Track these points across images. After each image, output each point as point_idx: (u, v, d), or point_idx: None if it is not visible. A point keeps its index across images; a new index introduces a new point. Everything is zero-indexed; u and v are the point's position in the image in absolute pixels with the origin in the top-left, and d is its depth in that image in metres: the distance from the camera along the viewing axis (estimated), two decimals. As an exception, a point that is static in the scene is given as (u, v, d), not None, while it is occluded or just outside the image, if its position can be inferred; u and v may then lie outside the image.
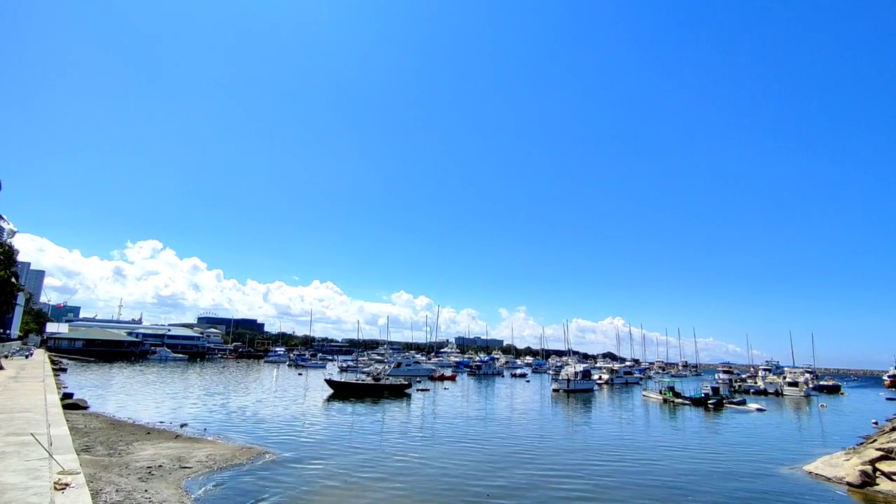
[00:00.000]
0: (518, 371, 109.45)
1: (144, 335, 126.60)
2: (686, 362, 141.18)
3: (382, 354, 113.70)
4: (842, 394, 73.61)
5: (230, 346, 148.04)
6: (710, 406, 45.07)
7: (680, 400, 48.55)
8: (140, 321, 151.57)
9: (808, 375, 75.80)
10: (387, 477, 16.58)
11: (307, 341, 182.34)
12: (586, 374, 64.79)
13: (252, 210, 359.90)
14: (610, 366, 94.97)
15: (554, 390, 58.89)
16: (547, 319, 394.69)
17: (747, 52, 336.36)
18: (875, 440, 23.49)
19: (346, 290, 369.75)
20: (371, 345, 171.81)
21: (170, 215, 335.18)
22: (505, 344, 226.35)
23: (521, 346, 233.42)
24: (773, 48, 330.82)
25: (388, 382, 49.73)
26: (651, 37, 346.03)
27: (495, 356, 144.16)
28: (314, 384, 56.38)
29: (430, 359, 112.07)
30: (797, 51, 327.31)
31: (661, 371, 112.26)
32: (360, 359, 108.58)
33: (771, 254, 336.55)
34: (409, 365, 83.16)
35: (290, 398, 41.44)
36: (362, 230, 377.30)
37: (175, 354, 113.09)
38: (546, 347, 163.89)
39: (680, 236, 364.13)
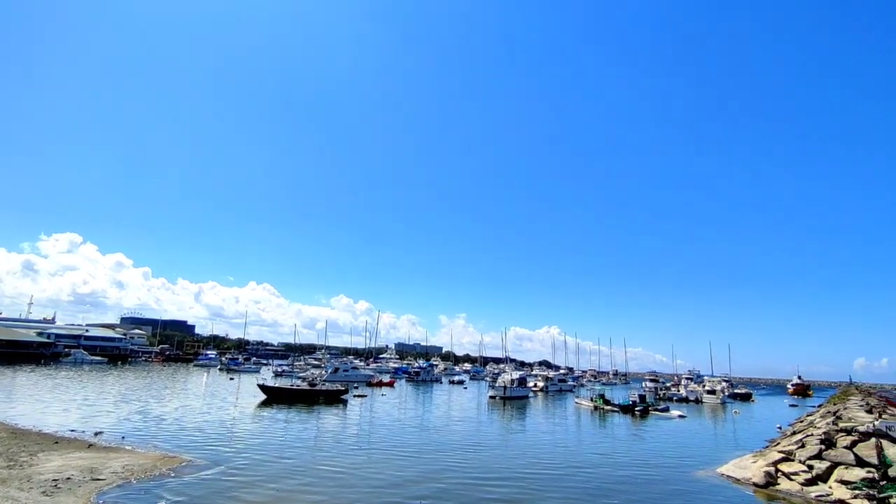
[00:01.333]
0: (456, 378, 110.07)
1: (58, 336, 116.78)
2: (616, 371, 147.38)
3: (320, 359, 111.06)
4: (753, 401, 79.29)
5: (156, 349, 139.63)
6: (636, 413, 47.24)
7: (609, 407, 50.56)
8: (53, 320, 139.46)
9: (724, 384, 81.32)
10: (317, 485, 16.23)
11: (241, 344, 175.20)
12: (522, 382, 66.14)
13: (185, 206, 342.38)
14: (545, 373, 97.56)
15: (490, 397, 59.72)
16: (486, 327, 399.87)
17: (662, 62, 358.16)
18: (778, 443, 25.53)
19: (284, 292, 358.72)
20: (308, 349, 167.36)
21: (92, 207, 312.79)
22: (444, 351, 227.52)
23: (460, 353, 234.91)
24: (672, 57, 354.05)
25: (324, 388, 48.66)
26: (592, 40, 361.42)
27: (434, 363, 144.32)
28: (246, 389, 54.22)
29: (368, 364, 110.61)
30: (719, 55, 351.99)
31: (593, 379, 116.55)
32: (296, 363, 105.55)
33: (693, 267, 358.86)
34: (346, 370, 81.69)
35: (220, 404, 39.63)
36: (303, 231, 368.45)
37: (92, 357, 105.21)
38: (484, 355, 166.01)
39: (613, 249, 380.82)
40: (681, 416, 46.41)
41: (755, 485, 18.56)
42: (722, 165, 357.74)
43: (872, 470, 17.44)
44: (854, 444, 19.58)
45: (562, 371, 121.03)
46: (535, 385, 77.90)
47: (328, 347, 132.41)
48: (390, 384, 77.05)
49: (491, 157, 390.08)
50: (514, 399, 58.85)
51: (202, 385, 59.20)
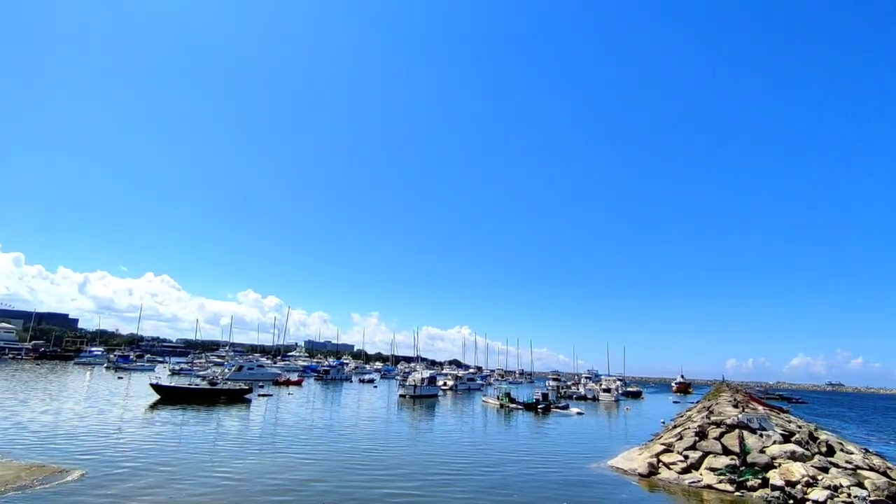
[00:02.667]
0: (367, 377, 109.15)
1: None
2: (522, 370, 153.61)
3: (223, 357, 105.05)
4: (642, 398, 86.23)
5: (28, 345, 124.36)
6: (539, 410, 49.56)
7: (514, 405, 52.63)
8: None
9: (618, 383, 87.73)
10: (213, 492, 15.46)
11: (133, 341, 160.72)
12: (432, 381, 66.94)
13: (67, 181, 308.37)
14: (455, 372, 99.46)
15: (400, 396, 59.88)
16: (399, 326, 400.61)
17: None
18: (661, 437, 28.05)
19: (186, 285, 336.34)
20: (211, 346, 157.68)
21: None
22: (356, 349, 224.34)
23: (372, 351, 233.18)
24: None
25: (226, 387, 46.16)
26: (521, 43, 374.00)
27: (345, 361, 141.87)
28: (137, 390, 50.04)
29: (276, 362, 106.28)
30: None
31: (500, 378, 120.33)
32: (196, 361, 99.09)
33: (593, 272, 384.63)
34: (251, 368, 77.98)
35: (104, 406, 36.11)
36: (209, 220, 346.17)
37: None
38: (396, 353, 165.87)
39: (521, 252, 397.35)
40: (579, 413, 49.39)
41: (640, 475, 20.30)
42: (616, 175, 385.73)
43: (735, 457, 19.76)
44: (722, 435, 22.05)
45: (471, 370, 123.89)
46: (445, 384, 79.15)
47: (233, 344, 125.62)
48: (298, 383, 74.72)
49: (408, 155, 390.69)
50: (423, 398, 59.40)
51: (83, 386, 53.60)
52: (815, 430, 28.83)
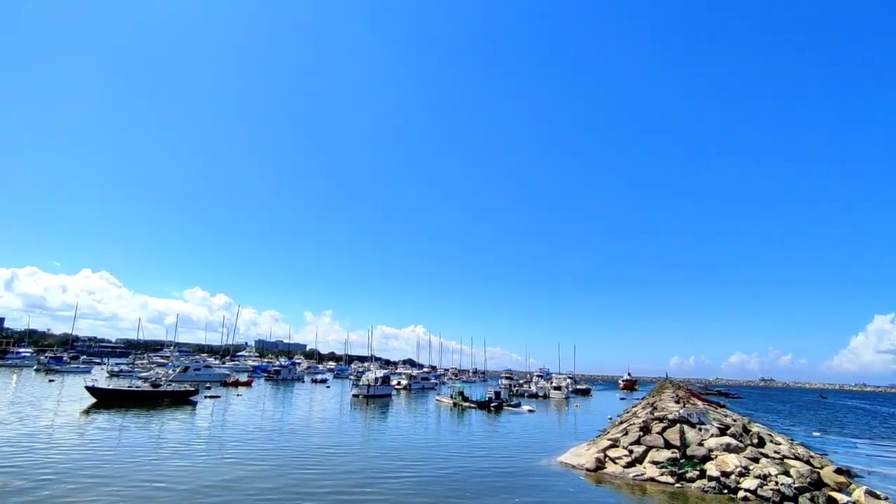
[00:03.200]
0: (319, 376, 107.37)
1: None
2: (476, 369, 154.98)
3: (167, 357, 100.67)
4: (591, 396, 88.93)
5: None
6: (492, 409, 50.20)
7: (467, 404, 53.08)
8: None
9: (568, 381, 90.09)
10: (153, 496, 14.81)
11: (67, 341, 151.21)
12: (386, 380, 66.62)
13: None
14: (409, 372, 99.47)
15: (354, 396, 59.26)
16: (353, 325, 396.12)
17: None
18: (608, 432, 29.03)
19: (127, 282, 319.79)
20: (154, 346, 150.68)
21: None
22: (308, 348, 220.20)
23: (325, 350, 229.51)
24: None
25: (169, 389, 44.27)
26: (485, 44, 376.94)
27: (297, 361, 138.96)
28: (71, 393, 47.19)
29: (224, 363, 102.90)
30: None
31: (454, 377, 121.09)
32: (137, 362, 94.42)
33: (545, 272, 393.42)
34: (198, 369, 75.13)
35: (32, 411, 33.82)
36: (154, 214, 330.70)
37: None
38: (350, 353, 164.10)
39: (475, 252, 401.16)
40: (530, 411, 50.37)
41: (587, 469, 20.93)
42: (569, 175, 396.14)
43: (676, 451, 20.72)
44: (664, 429, 23.04)
45: (425, 369, 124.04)
46: (399, 383, 79.15)
47: (178, 344, 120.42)
48: (248, 384, 72.63)
49: (363, 151, 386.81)
50: (377, 397, 59.02)
51: (9, 390, 50.00)
52: (749, 423, 30.63)
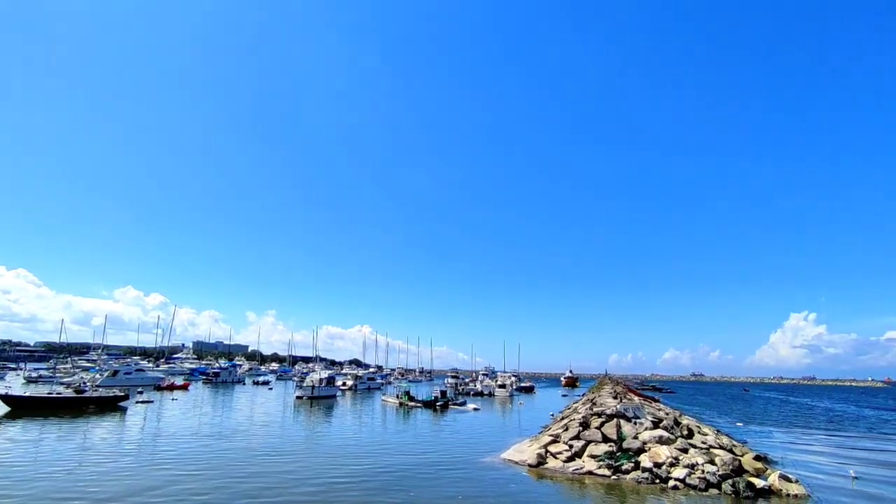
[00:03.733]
0: (261, 378, 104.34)
1: None
2: (423, 369, 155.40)
3: (94, 361, 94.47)
4: (535, 393, 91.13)
5: None
6: (437, 408, 50.45)
7: (413, 403, 53.13)
8: None
9: (513, 379, 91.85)
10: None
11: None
12: (330, 381, 65.76)
13: None
14: (355, 372, 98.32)
15: (297, 397, 58.12)
16: (297, 325, 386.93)
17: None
18: (549, 428, 29.84)
19: (49, 281, 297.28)
20: (79, 349, 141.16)
21: None
22: (250, 350, 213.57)
23: (268, 352, 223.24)
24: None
25: (95, 395, 41.60)
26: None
27: (238, 362, 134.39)
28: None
29: (158, 366, 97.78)
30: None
31: (400, 377, 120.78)
32: (59, 366, 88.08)
33: (491, 271, 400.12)
34: (129, 373, 71.11)
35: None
36: (78, 208, 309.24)
37: None
38: (294, 354, 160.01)
39: (420, 251, 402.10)
40: (475, 409, 51.02)
41: (529, 465, 21.43)
42: (511, 176, 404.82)
43: (613, 444, 21.61)
44: (602, 424, 23.97)
45: (371, 369, 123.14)
46: (345, 384, 78.30)
47: (106, 347, 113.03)
48: (184, 387, 69.50)
49: (305, 144, 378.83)
50: (322, 399, 58.13)
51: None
52: (680, 416, 32.39)
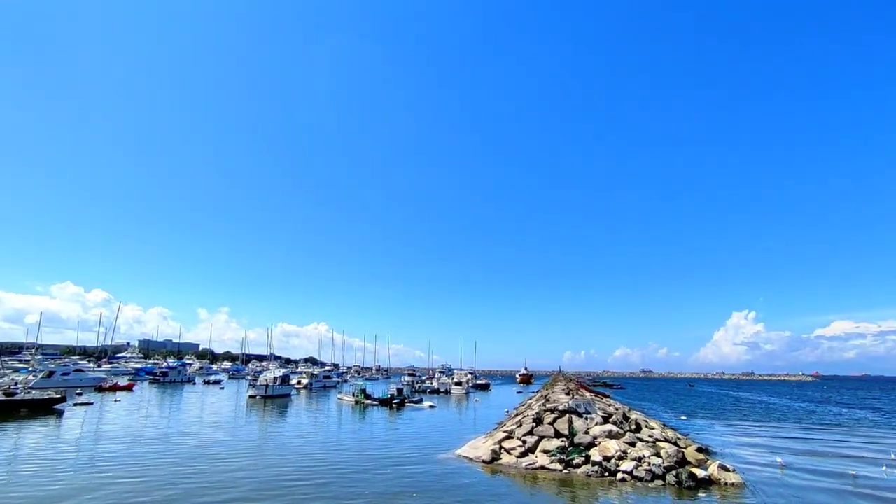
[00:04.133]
0: (213, 378, 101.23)
1: None
2: (379, 366, 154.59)
3: (27, 361, 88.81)
4: (490, 390, 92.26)
5: None
6: (394, 405, 50.36)
7: (369, 401, 52.83)
8: None
9: (469, 376, 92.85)
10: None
11: None
12: (285, 380, 64.64)
13: None
14: (311, 370, 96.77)
15: (250, 396, 56.82)
16: (251, 322, 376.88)
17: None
18: (504, 425, 30.29)
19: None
20: (10, 349, 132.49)
21: None
22: (202, 348, 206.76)
23: (220, 350, 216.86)
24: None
25: (28, 397, 39.18)
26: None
27: (188, 361, 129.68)
28: None
29: (100, 366, 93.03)
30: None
31: (357, 375, 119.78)
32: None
33: (448, 269, 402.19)
34: (66, 374, 67.37)
35: None
36: (8, 197, 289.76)
37: None
38: (248, 352, 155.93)
39: (378, 249, 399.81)
40: (431, 407, 51.20)
41: (484, 461, 21.75)
42: (466, 180, 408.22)
43: (565, 439, 22.20)
44: (555, 420, 24.57)
45: (327, 368, 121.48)
46: (300, 382, 77.19)
47: (41, 346, 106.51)
48: (128, 388, 66.52)
49: (259, 148, 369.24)
50: (275, 398, 57.04)
51: None
52: (629, 411, 33.57)
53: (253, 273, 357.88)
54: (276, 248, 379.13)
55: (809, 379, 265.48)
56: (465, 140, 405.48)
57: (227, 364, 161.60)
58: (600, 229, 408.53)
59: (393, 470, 20.51)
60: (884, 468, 21.95)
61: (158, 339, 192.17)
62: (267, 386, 58.45)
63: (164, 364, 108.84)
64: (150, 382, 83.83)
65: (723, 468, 19.10)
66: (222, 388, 76.78)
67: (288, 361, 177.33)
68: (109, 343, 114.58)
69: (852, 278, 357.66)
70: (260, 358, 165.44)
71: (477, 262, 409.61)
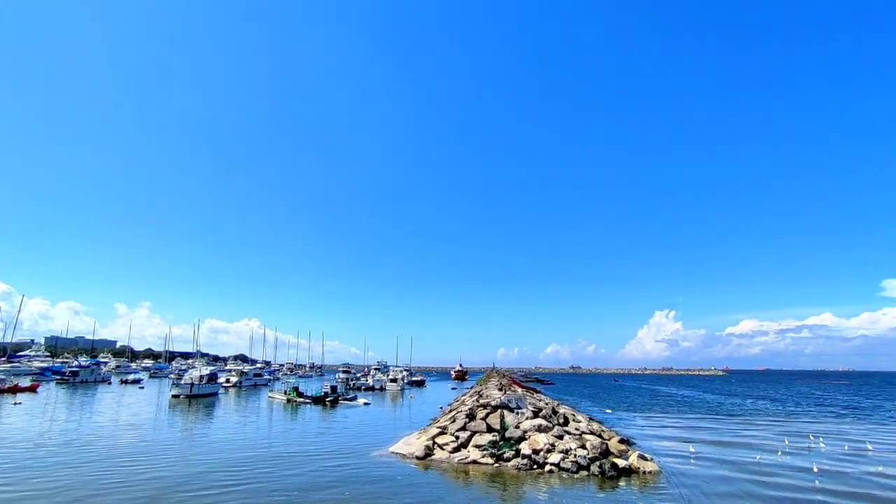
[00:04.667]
0: (131, 377, 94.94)
1: None
2: (313, 364, 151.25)
3: None
4: (426, 387, 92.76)
5: None
6: (327, 403, 49.56)
7: (302, 399, 51.69)
8: None
9: (405, 373, 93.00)
10: None
11: None
12: (212, 378, 62.07)
13: None
14: (241, 368, 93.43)
15: (174, 396, 53.95)
16: (177, 318, 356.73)
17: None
18: (438, 421, 30.60)
19: None
20: None
21: None
22: (119, 345, 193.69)
23: (141, 347, 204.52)
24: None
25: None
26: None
27: (103, 360, 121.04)
28: None
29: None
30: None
31: (290, 372, 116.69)
32: None
33: (384, 265, 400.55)
34: (-44, 374, 60.80)
35: None
36: None
37: None
38: (172, 349, 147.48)
39: (311, 240, 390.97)
40: (366, 404, 50.82)
41: (417, 457, 21.87)
42: (399, 176, 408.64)
43: (496, 434, 22.76)
44: (487, 415, 25.12)
45: (258, 365, 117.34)
46: (229, 380, 74.59)
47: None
48: (31, 389, 61.06)
49: (182, 130, 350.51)
50: (201, 397, 54.55)
51: None
52: (558, 405, 34.91)
53: (179, 266, 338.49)
54: (204, 240, 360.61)
55: (720, 373, 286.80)
56: (408, 135, 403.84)
57: (148, 362, 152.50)
58: (534, 229, 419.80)
59: (324, 468, 20.21)
60: (779, 454, 24.23)
61: (69, 336, 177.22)
62: (192, 385, 55.71)
63: (76, 363, 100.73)
64: (57, 383, 77.42)
65: (642, 457, 20.33)
66: (142, 388, 72.45)
67: (216, 359, 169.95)
68: (10, 340, 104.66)
69: (759, 281, 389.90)
70: (185, 355, 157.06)
71: (414, 259, 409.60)
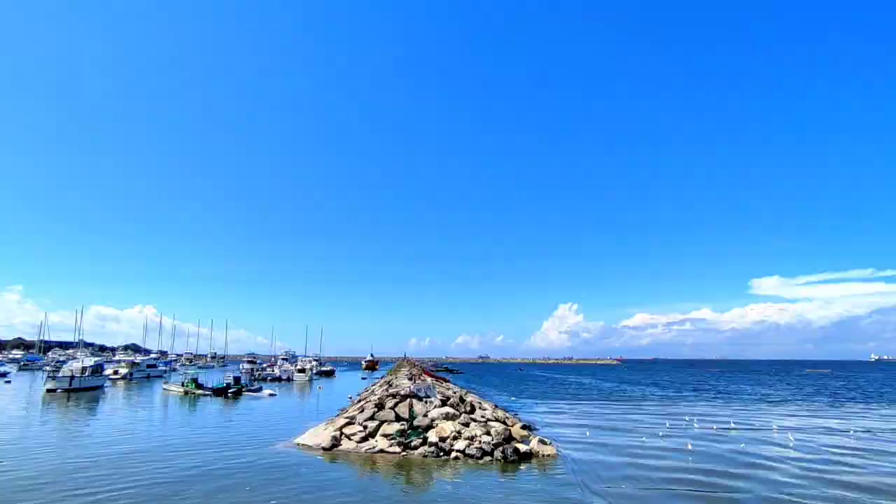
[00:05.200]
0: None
1: None
2: (216, 354, 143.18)
3: None
4: (335, 377, 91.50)
5: None
6: (229, 395, 47.29)
7: (201, 391, 48.94)
8: None
9: (314, 363, 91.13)
10: None
11: None
12: (97, 370, 56.68)
13: None
14: (131, 358, 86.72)
15: (49, 390, 48.72)
16: (55, 304, 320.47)
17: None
18: (346, 411, 30.31)
19: None
20: None
21: None
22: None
23: (10, 336, 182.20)
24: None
25: None
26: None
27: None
28: None
29: None
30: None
31: (188, 363, 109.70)
32: None
33: (295, 254, 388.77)
34: None
35: None
36: None
37: None
38: (48, 338, 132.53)
39: (214, 221, 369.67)
40: (271, 395, 49.16)
41: (323, 448, 21.56)
42: (320, 153, 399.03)
43: (405, 423, 23.01)
44: (396, 404, 25.28)
45: (153, 355, 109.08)
46: (116, 372, 68.95)
47: None
48: None
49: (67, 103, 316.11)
50: (83, 391, 49.65)
51: None
52: (465, 394, 35.96)
53: (57, 245, 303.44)
54: (88, 218, 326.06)
55: (615, 362, 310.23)
56: (329, 117, 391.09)
57: (17, 353, 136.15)
58: (444, 227, 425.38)
59: (225, 466, 19.27)
60: (661, 435, 26.81)
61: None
62: (72, 377, 50.44)
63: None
64: None
65: (542, 442, 21.57)
66: (8, 382, 65.00)
67: (103, 349, 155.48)
68: None
69: (651, 278, 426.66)
70: (65, 345, 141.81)
71: (323, 247, 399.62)
